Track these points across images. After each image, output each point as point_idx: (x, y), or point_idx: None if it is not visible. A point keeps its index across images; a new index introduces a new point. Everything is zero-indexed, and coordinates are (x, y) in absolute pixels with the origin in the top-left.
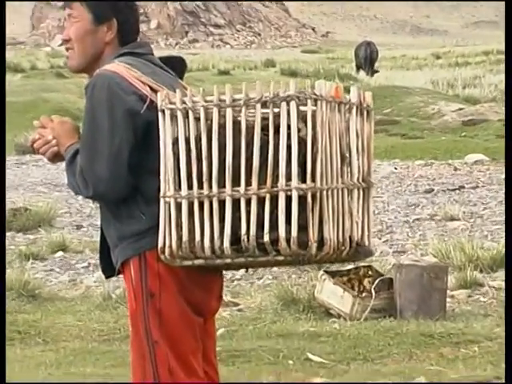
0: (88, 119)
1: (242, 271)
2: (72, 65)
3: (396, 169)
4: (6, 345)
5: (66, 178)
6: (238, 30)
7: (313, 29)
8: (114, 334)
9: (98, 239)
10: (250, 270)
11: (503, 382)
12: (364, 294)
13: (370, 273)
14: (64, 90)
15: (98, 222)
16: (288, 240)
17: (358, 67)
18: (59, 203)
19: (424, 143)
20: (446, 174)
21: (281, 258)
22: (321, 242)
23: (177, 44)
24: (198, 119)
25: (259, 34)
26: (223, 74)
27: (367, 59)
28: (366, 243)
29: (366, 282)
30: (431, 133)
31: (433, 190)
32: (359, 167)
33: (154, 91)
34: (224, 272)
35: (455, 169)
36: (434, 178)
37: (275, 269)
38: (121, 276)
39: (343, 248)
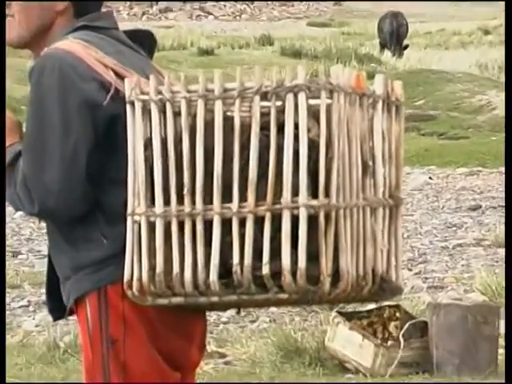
0: (33, 113)
1: (231, 312)
2: (12, 38)
3: (431, 178)
4: (5, 344)
5: None
6: None
7: None
8: None
9: (45, 270)
10: (242, 311)
11: (503, 382)
12: (390, 343)
13: (397, 315)
14: None
15: (43, 248)
16: (294, 273)
17: (382, 45)
18: None
19: (468, 145)
20: (496, 185)
21: (284, 295)
22: (336, 275)
23: (144, 14)
24: (177, 114)
25: (252, 2)
26: (205, 54)
27: (393, 35)
28: (394, 277)
29: (392, 326)
30: (478, 131)
31: (480, 206)
32: (385, 179)
33: (121, 77)
34: (208, 313)
35: None
36: (481, 191)
37: (273, 309)
38: (73, 318)
39: (364, 283)
